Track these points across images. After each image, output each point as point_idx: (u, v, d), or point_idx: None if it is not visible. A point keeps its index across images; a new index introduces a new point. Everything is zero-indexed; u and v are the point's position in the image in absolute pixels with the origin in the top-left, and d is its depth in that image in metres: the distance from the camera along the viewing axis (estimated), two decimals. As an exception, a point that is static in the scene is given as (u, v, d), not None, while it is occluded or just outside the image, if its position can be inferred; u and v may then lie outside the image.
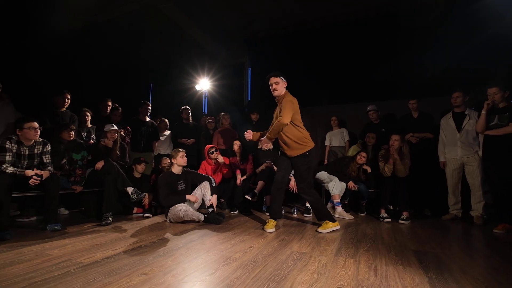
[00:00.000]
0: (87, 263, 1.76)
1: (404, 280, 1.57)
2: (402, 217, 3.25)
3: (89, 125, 4.01)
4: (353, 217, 3.46)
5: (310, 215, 3.54)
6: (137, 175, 3.68)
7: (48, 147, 2.74)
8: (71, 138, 3.09)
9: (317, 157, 4.81)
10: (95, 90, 4.66)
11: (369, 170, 3.69)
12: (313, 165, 3.03)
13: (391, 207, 3.64)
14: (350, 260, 1.90)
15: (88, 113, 3.98)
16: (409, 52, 4.61)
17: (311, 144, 2.76)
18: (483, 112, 3.01)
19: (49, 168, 2.66)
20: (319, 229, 2.71)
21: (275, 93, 2.73)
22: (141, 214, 3.41)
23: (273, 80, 2.71)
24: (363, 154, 3.69)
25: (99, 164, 3.04)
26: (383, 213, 3.37)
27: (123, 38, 5.36)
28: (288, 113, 2.60)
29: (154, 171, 4.18)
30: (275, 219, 2.83)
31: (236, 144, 3.88)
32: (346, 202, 3.85)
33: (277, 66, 5.73)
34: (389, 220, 3.28)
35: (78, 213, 3.60)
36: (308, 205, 3.60)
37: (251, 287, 1.43)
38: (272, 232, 2.68)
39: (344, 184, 3.64)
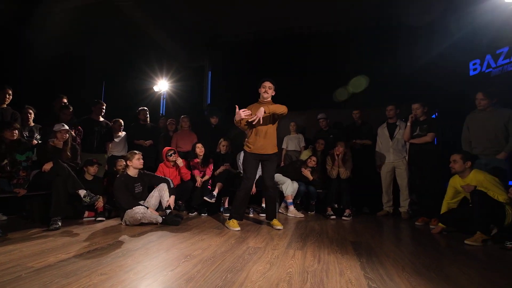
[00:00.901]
0: (39, 267, 1.71)
1: (341, 265, 1.86)
2: (344, 214, 3.68)
3: (32, 124, 3.73)
4: (303, 215, 3.79)
5: (265, 215, 3.77)
6: (89, 177, 3.51)
7: (-12, 147, 2.52)
8: (14, 138, 2.86)
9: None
10: (42, 86, 4.32)
11: (317, 171, 4.07)
12: None
13: (336, 205, 4.06)
14: (298, 251, 2.15)
15: (31, 111, 3.71)
16: (354, 68, 5.20)
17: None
18: (408, 124, 3.60)
19: (-11, 169, 2.46)
20: (277, 227, 2.98)
21: (266, 95, 2.95)
22: (93, 218, 3.28)
23: (268, 84, 2.95)
24: (313, 158, 4.07)
25: (47, 166, 2.87)
26: (329, 211, 3.76)
27: (76, 31, 5.04)
28: (283, 107, 2.85)
29: (107, 173, 4.03)
30: (239, 219, 3.00)
31: (198, 147, 3.96)
32: (298, 202, 4.19)
33: (237, 72, 6.02)
34: (334, 217, 3.68)
35: (18, 218, 3.30)
36: (263, 205, 3.84)
37: (211, 278, 1.58)
38: (238, 230, 2.84)
39: (296, 185, 3.96)
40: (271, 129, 2.96)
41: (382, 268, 1.81)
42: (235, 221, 2.94)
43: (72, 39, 4.97)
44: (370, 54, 5.18)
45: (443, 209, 2.98)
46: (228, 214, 3.74)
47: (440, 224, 2.93)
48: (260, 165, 3.06)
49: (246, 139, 3.05)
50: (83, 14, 4.91)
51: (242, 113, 2.76)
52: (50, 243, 2.26)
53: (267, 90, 2.95)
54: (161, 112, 6.36)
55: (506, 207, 2.52)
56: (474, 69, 4.12)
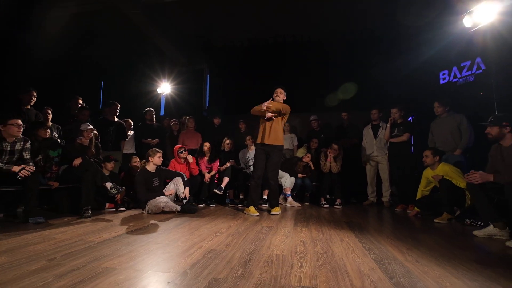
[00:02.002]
0: (100, 240, 2.09)
1: (340, 235, 2.38)
2: (336, 203, 4.24)
3: (50, 124, 4.00)
4: (300, 205, 4.30)
5: (267, 205, 4.25)
6: (106, 173, 3.83)
7: (28, 144, 2.83)
8: (47, 136, 3.17)
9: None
10: (51, 88, 4.57)
11: (312, 167, 4.61)
12: None
13: (328, 196, 4.60)
14: (305, 228, 2.65)
15: (49, 111, 3.99)
16: (343, 75, 5.81)
17: None
18: (388, 125, 4.22)
19: (31, 164, 2.77)
20: (273, 212, 3.46)
21: (277, 99, 3.52)
22: (114, 209, 3.63)
23: (280, 90, 3.53)
24: (308, 155, 4.60)
25: (77, 161, 3.20)
26: (323, 201, 4.30)
27: (79, 36, 5.31)
28: (286, 106, 3.47)
29: (122, 169, 4.35)
30: (255, 206, 3.47)
31: (206, 146, 4.37)
32: (294, 194, 4.69)
33: (234, 75, 6.47)
34: (327, 206, 4.22)
35: (42, 210, 3.58)
36: (265, 196, 4.32)
37: (243, 244, 2.03)
38: (258, 215, 3.32)
39: (293, 179, 4.46)
40: (277, 125, 3.46)
41: (371, 237, 2.34)
42: (253, 208, 3.41)
43: (79, 43, 5.22)
44: (358, 63, 5.80)
45: (418, 196, 3.58)
46: (233, 205, 4.23)
47: (415, 208, 3.53)
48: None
49: (257, 133, 3.52)
50: (89, 20, 5.19)
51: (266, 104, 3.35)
52: (92, 227, 2.62)
53: (279, 94, 3.52)
54: (161, 113, 6.69)
55: (466, 192, 3.14)
56: (444, 79, 4.81)
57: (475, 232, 2.47)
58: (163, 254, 1.76)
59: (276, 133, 3.47)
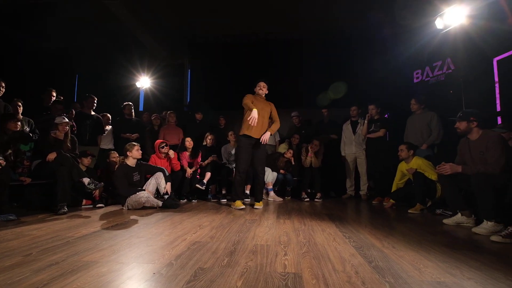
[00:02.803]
0: (79, 236, 2.03)
1: (321, 226, 2.46)
2: (316, 197, 4.35)
3: (21, 117, 3.77)
4: (282, 199, 4.38)
5: (249, 200, 4.28)
6: (83, 168, 3.69)
7: (-3, 137, 2.66)
8: (17, 129, 2.99)
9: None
10: (25, 80, 4.31)
11: (293, 162, 4.69)
12: None
13: (309, 190, 4.72)
14: (287, 220, 2.71)
15: (19, 103, 3.75)
16: (322, 73, 5.94)
17: None
18: (365, 121, 4.39)
19: (0, 157, 2.61)
20: (257, 206, 3.50)
21: (261, 92, 3.57)
22: (91, 206, 3.50)
23: (263, 84, 3.57)
24: (290, 150, 4.68)
25: (52, 156, 3.05)
26: (304, 195, 4.41)
27: (57, 25, 5.03)
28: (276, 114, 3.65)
29: (99, 165, 4.20)
30: (240, 200, 3.50)
31: (188, 141, 4.32)
32: (276, 189, 4.76)
33: (214, 71, 6.42)
34: (307, 200, 4.33)
35: (13, 207, 3.38)
36: (247, 191, 4.35)
37: (227, 236, 2.05)
38: (243, 208, 3.35)
39: (275, 174, 4.53)
40: (265, 121, 3.51)
41: (351, 227, 2.44)
42: (239, 201, 3.43)
43: (54, 33, 4.95)
44: (338, 62, 5.96)
45: (393, 188, 3.77)
46: (216, 200, 4.23)
47: (391, 200, 3.71)
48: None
49: (243, 125, 3.47)
50: (66, 10, 4.92)
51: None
52: (69, 223, 2.52)
53: (262, 88, 3.55)
54: (140, 108, 6.50)
55: (437, 184, 3.35)
56: (417, 78, 5.06)
57: (445, 220, 2.65)
58: (146, 247, 1.74)
59: (264, 128, 3.49)
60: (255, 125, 3.27)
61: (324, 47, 6.10)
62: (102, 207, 3.46)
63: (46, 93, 4.03)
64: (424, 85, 4.85)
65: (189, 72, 6.65)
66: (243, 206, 3.41)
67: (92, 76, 6.17)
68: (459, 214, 2.57)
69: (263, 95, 3.59)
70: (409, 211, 3.29)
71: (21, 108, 3.77)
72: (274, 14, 5.65)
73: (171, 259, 1.50)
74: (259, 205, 3.50)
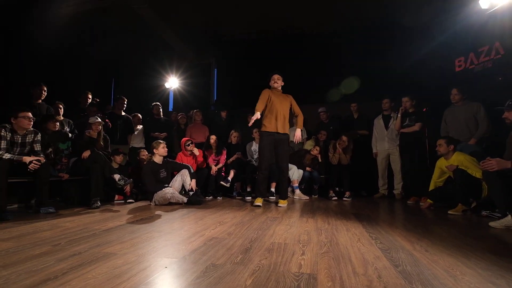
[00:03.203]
0: (105, 229, 2.12)
1: (346, 225, 2.31)
2: (345, 196, 4.14)
3: (61, 118, 4.09)
4: (308, 198, 4.24)
5: (274, 197, 4.20)
6: (115, 166, 3.89)
7: (39, 136, 2.89)
8: (56, 129, 3.24)
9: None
10: (62, 84, 4.67)
11: (320, 159, 4.52)
12: None
13: (337, 188, 4.51)
14: (310, 219, 2.60)
15: (61, 106, 4.06)
16: (353, 65, 5.66)
17: None
18: (399, 115, 4.07)
19: (42, 155, 2.83)
20: (280, 204, 3.40)
21: (276, 85, 3.48)
22: (123, 201, 3.68)
23: (277, 76, 3.49)
24: (317, 147, 4.51)
25: (86, 153, 3.26)
26: (331, 193, 4.22)
27: (89, 31, 5.39)
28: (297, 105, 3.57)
29: (129, 163, 4.41)
30: (261, 198, 3.45)
31: (212, 139, 4.37)
32: (303, 187, 4.62)
33: (241, 69, 6.42)
34: (335, 198, 4.14)
35: (54, 201, 3.68)
36: (273, 189, 4.27)
37: (246, 233, 2.00)
38: (260, 205, 3.30)
39: (301, 171, 4.40)
40: (286, 115, 3.42)
41: (379, 227, 2.26)
42: (259, 198, 3.40)
43: (89, 39, 5.31)
44: (368, 52, 5.63)
45: (431, 187, 3.45)
46: (240, 197, 4.22)
47: (428, 200, 3.40)
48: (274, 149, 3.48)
49: (263, 121, 3.42)
50: (98, 15, 5.25)
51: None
52: (99, 216, 2.66)
53: (276, 81, 3.46)
54: (170, 108, 6.74)
55: (483, 183, 2.99)
56: (459, 66, 4.58)
57: (492, 223, 2.34)
58: (164, 241, 1.76)
59: (286, 122, 3.43)
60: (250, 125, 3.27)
61: (355, 38, 5.80)
62: (132, 202, 3.62)
63: (83, 95, 4.33)
64: (468, 73, 4.38)
65: (215, 71, 6.74)
66: (260, 204, 3.34)
67: (126, 78, 6.52)
68: (509, 216, 2.26)
69: (279, 88, 3.51)
70: (449, 212, 2.98)
71: (62, 110, 4.08)
72: (301, 6, 5.49)
73: (185, 254, 1.49)
74: (283, 203, 3.41)
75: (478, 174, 2.95)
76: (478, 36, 4.12)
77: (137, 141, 4.83)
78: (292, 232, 2.06)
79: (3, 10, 4.23)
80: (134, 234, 1.95)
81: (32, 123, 2.76)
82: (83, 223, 2.33)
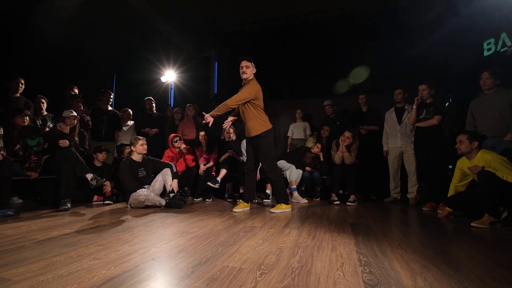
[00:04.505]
0: (42, 239, 1.81)
1: (335, 242, 1.85)
2: (349, 200, 3.63)
3: (45, 113, 3.88)
4: (307, 202, 3.76)
5: (269, 201, 3.78)
6: (98, 164, 3.64)
7: (1, 131, 2.66)
8: (25, 124, 3.00)
9: (279, 147, 5.15)
10: (52, 76, 4.49)
11: (322, 158, 4.02)
12: (273, 147, 3.08)
13: (341, 191, 4.01)
14: (294, 230, 2.15)
15: (43, 100, 3.86)
16: (360, 52, 5.06)
17: (268, 126, 2.95)
18: (414, 106, 3.47)
19: (1, 152, 2.59)
20: (272, 210, 2.97)
21: (243, 76, 2.93)
22: (102, 202, 3.41)
23: (244, 63, 2.91)
24: (318, 145, 4.02)
25: (64, 143, 3.00)
26: (334, 197, 3.71)
27: (84, 24, 5.19)
28: (241, 95, 2.84)
29: (116, 160, 4.15)
30: (247, 202, 3.07)
31: (201, 135, 4.01)
32: (303, 188, 4.15)
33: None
34: (338, 202, 3.63)
35: (33, 202, 3.49)
36: (268, 191, 3.85)
37: (201, 250, 1.61)
38: (239, 212, 2.90)
39: (300, 171, 3.93)
40: (245, 113, 2.95)
41: (376, 245, 1.78)
42: (242, 203, 3.03)
43: (81, 30, 5.10)
44: (376, 36, 5.02)
45: (450, 192, 2.88)
46: (232, 199, 3.82)
47: (447, 208, 2.83)
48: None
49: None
50: (91, 6, 5.02)
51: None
52: (57, 221, 2.37)
53: (244, 70, 2.91)
54: (169, 103, 6.46)
55: (517, 189, 2.40)
56: (489, 49, 3.90)
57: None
58: (89, 262, 1.40)
59: (250, 124, 2.95)
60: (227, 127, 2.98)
61: (363, 21, 5.20)
62: (110, 204, 3.34)
63: (68, 90, 4.10)
64: (499, 57, 3.70)
65: (215, 64, 6.37)
66: (239, 210, 2.93)
67: (120, 73, 6.29)
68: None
69: (249, 78, 2.95)
70: (472, 224, 2.41)
71: (45, 104, 3.88)
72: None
73: (95, 284, 1.12)
74: (276, 209, 2.96)
75: (510, 177, 2.38)
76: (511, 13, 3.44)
77: (127, 138, 4.57)
78: (260, 250, 1.64)
79: None
80: (67, 248, 1.62)
81: (-12, 117, 2.52)
82: (27, 230, 2.04)
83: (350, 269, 1.37)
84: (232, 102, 2.81)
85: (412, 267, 1.41)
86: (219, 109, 2.80)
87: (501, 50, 3.71)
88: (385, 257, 1.55)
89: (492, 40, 3.83)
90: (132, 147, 3.26)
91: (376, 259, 1.53)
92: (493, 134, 2.90)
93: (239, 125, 4.59)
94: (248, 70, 2.91)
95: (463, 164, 2.74)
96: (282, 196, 3.05)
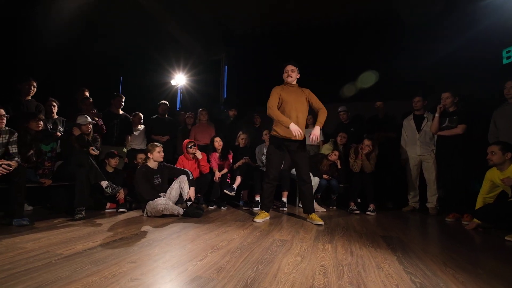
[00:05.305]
0: (68, 254, 1.70)
1: (376, 259, 1.76)
2: (369, 209, 3.55)
3: (56, 116, 3.77)
4: (325, 210, 3.68)
5: (286, 209, 3.68)
6: (110, 170, 3.53)
7: (15, 137, 2.55)
8: (39, 128, 2.89)
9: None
10: (62, 80, 4.38)
11: (339, 165, 3.94)
12: None
13: (359, 200, 3.93)
14: (328, 245, 2.06)
15: (54, 103, 3.75)
16: (376, 60, 5.01)
17: None
18: (436, 115, 3.42)
19: (16, 159, 2.48)
20: (317, 222, 2.82)
21: (290, 79, 2.93)
22: (115, 210, 3.30)
23: (291, 67, 2.92)
24: (336, 152, 3.94)
25: (76, 131, 2.91)
26: (352, 206, 3.63)
27: (93, 26, 5.10)
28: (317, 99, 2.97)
29: (127, 166, 4.04)
30: (266, 211, 2.96)
31: (217, 141, 3.91)
32: (319, 196, 4.06)
33: (253, 65, 5.94)
34: (357, 211, 3.55)
35: (43, 209, 3.36)
36: (284, 199, 3.75)
37: (242, 269, 1.51)
38: (260, 222, 2.81)
39: (317, 179, 3.84)
40: (303, 116, 2.89)
41: (421, 263, 1.70)
42: (263, 212, 2.93)
43: (91, 33, 5.01)
44: (395, 43, 4.97)
45: (479, 204, 2.81)
46: (247, 208, 3.72)
47: (475, 219, 2.76)
48: (287, 155, 2.98)
49: (274, 125, 2.95)
50: (102, 9, 4.94)
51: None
52: (75, 232, 2.26)
53: (290, 73, 2.91)
54: (178, 106, 6.36)
55: (552, 202, 2.34)
56: (508, 57, 3.87)
57: None
58: (128, 283, 1.30)
59: (303, 122, 2.91)
60: (298, 135, 2.68)
61: (379, 27, 5.16)
62: (124, 212, 3.22)
63: (79, 92, 4.00)
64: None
65: (225, 68, 6.30)
66: (260, 220, 2.84)
67: (130, 76, 6.20)
68: None
69: (294, 82, 2.96)
70: (507, 238, 2.34)
71: (56, 107, 3.77)
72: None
73: (144, 314, 1.02)
74: (317, 220, 2.82)
75: (546, 190, 2.30)
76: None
77: (137, 143, 4.46)
78: (303, 269, 1.54)
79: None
80: (98, 265, 1.51)
81: (4, 121, 2.41)
82: (49, 243, 1.93)
83: (409, 293, 1.28)
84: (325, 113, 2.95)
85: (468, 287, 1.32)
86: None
87: (522, 58, 3.67)
88: (438, 278, 1.47)
89: (511, 48, 3.79)
90: (149, 154, 3.16)
91: (429, 280, 1.44)
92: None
93: (251, 131, 4.52)
94: (294, 74, 2.94)
95: (493, 175, 2.67)
96: (313, 204, 3.01)
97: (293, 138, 2.82)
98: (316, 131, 2.78)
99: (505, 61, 3.89)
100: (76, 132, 2.99)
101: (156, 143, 3.26)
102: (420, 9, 4.77)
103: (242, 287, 1.29)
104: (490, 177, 2.71)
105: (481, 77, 4.05)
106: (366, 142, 3.68)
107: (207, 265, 1.56)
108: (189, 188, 3.18)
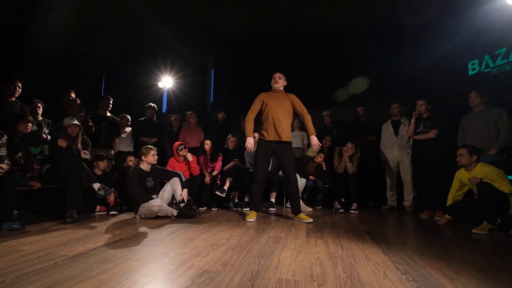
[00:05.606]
0: (72, 255, 1.73)
1: (364, 251, 1.94)
2: (352, 207, 3.79)
3: (40, 118, 3.68)
4: (312, 209, 3.87)
5: (274, 209, 3.83)
6: (99, 172, 3.51)
7: (4, 139, 2.49)
8: (28, 131, 2.83)
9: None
10: (47, 81, 4.27)
11: (324, 167, 4.16)
12: None
13: (343, 199, 4.16)
14: (319, 240, 2.23)
15: (39, 105, 3.66)
16: (359, 67, 5.33)
17: None
18: (412, 120, 3.74)
19: (6, 161, 2.43)
20: (306, 221, 2.99)
21: (276, 86, 3.15)
22: (105, 212, 3.28)
23: (278, 75, 3.15)
24: (322, 155, 4.16)
25: (62, 143, 2.86)
26: (337, 205, 3.86)
27: (80, 26, 4.99)
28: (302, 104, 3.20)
29: (115, 169, 4.01)
30: (256, 211, 3.08)
31: (207, 144, 3.99)
32: (305, 196, 4.25)
33: (240, 69, 6.07)
34: (341, 210, 3.78)
35: (29, 212, 3.27)
36: (272, 200, 3.90)
37: (245, 263, 1.63)
38: (252, 221, 2.93)
39: (304, 180, 4.04)
40: (286, 119, 3.05)
41: (403, 253, 1.90)
42: (252, 213, 3.02)
43: (76, 34, 4.91)
44: (375, 53, 5.31)
45: (449, 201, 3.11)
46: (237, 209, 3.83)
47: (446, 215, 3.05)
48: (274, 157, 3.13)
49: (260, 129, 3.11)
50: (88, 9, 4.86)
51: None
52: (71, 235, 2.26)
53: (277, 80, 3.12)
54: (164, 108, 6.34)
55: (510, 198, 2.66)
56: (473, 69, 4.30)
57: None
58: (142, 278, 1.37)
59: (287, 127, 3.08)
60: (251, 149, 3.01)
61: (362, 37, 5.48)
62: (115, 214, 3.21)
63: (65, 94, 3.92)
64: (483, 77, 4.09)
65: (212, 71, 6.38)
66: (252, 220, 2.98)
67: (115, 76, 6.11)
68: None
69: (281, 88, 3.17)
70: (473, 230, 2.64)
71: (41, 109, 3.68)
72: (306, 2, 5.16)
73: (165, 303, 1.12)
74: (306, 219, 2.99)
75: (505, 188, 2.65)
76: (497, 36, 3.82)
77: (124, 145, 4.43)
78: (300, 261, 1.69)
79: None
80: (105, 264, 1.57)
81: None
82: (48, 245, 1.93)
83: (395, 278, 1.46)
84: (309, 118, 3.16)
85: (447, 274, 1.53)
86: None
87: (484, 70, 4.09)
88: (417, 265, 1.67)
89: (476, 61, 4.21)
90: (143, 157, 3.18)
91: (410, 266, 1.64)
92: (481, 148, 3.19)
93: (240, 134, 4.64)
94: (281, 80, 3.16)
95: (462, 175, 2.98)
96: (299, 207, 3.18)
97: (277, 140, 3.02)
98: (315, 140, 3.06)
99: (470, 73, 4.31)
100: (63, 144, 2.92)
101: (150, 146, 3.30)
102: (403, 21, 5.13)
103: (249, 278, 1.41)
104: (459, 176, 3.03)
105: (450, 87, 4.45)
106: (350, 145, 3.92)
107: (212, 261, 1.66)
108: (182, 190, 3.24)
